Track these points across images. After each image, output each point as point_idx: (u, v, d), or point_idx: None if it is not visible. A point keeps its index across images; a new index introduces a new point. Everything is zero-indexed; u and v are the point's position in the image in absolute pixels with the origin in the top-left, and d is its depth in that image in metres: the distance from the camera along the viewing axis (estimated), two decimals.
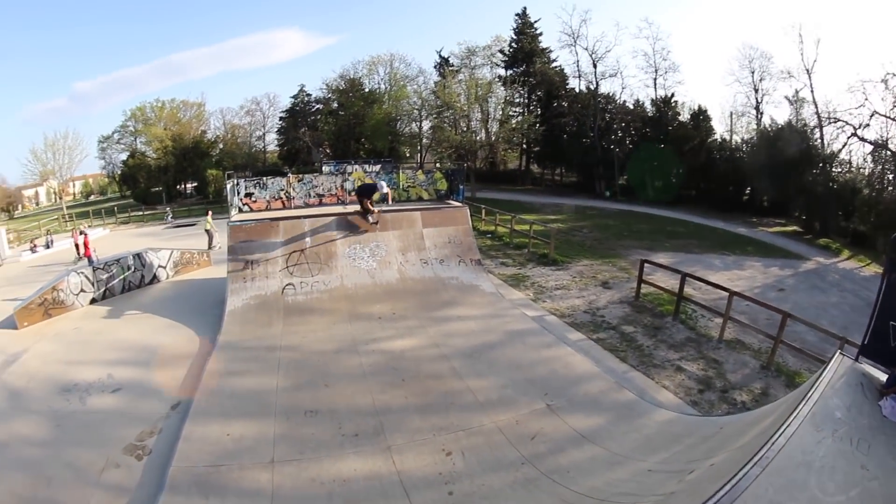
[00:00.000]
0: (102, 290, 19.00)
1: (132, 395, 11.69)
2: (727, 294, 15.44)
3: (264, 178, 22.00)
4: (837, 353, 7.46)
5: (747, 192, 57.45)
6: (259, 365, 13.16)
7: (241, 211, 20.52)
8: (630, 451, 8.80)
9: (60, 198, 74.34)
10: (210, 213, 32.50)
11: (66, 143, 70.17)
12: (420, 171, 24.46)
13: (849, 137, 50.96)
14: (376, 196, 19.13)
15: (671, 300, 17.35)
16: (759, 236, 43.57)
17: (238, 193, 20.90)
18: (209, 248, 28.31)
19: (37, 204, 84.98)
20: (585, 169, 65.56)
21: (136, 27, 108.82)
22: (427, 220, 19.45)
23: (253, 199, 21.11)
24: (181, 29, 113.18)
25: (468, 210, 20.51)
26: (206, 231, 30.43)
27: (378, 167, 25.29)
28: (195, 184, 74.41)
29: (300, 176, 22.63)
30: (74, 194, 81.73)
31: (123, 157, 74.46)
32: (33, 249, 35.48)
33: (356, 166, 26.76)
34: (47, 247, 36.07)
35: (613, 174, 63.06)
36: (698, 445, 7.98)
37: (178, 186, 74.95)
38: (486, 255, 24.20)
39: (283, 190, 21.51)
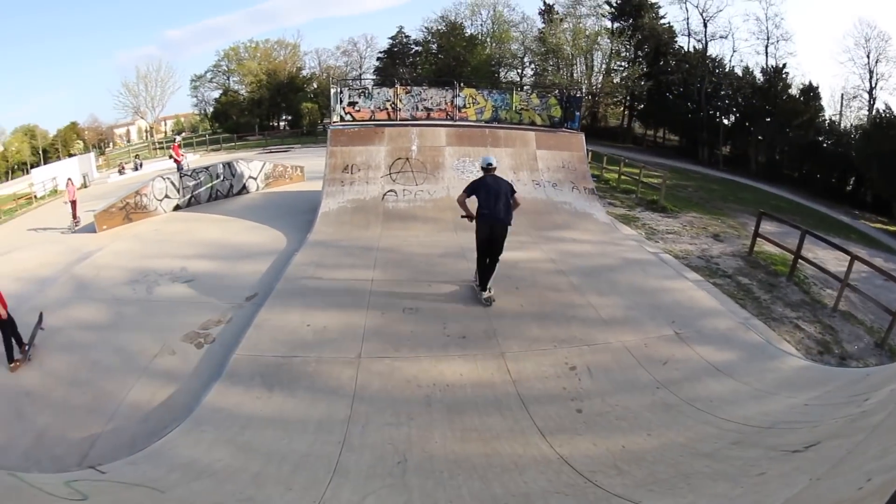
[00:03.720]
0: (188, 196, 19.03)
1: (205, 287, 11.41)
2: (837, 266, 14.40)
3: (370, 87, 21.52)
4: None
5: (851, 182, 54.20)
6: (353, 260, 12.70)
7: (342, 120, 20.00)
8: (773, 388, 7.88)
9: (152, 135, 75.09)
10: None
11: (159, 76, 70.65)
12: (534, 94, 23.63)
13: None
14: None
15: (784, 261, 16.32)
16: (862, 228, 41.33)
17: (341, 102, 20.25)
18: None
19: (128, 142, 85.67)
20: (689, 133, 62.98)
21: None
22: (541, 142, 18.79)
23: (357, 108, 20.37)
24: None
25: (583, 137, 19.69)
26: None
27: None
28: (289, 117, 74.17)
29: (408, 87, 21.92)
30: (165, 132, 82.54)
31: (216, 94, 74.64)
32: (121, 171, 36.58)
33: None
34: (135, 169, 37.12)
35: (718, 142, 60.32)
36: (852, 386, 7.00)
37: (270, 122, 74.59)
38: None
39: (389, 101, 20.77)
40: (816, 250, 17.94)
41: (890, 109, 51.25)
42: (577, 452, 6.17)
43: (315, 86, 73.76)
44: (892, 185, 46.53)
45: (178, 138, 31.47)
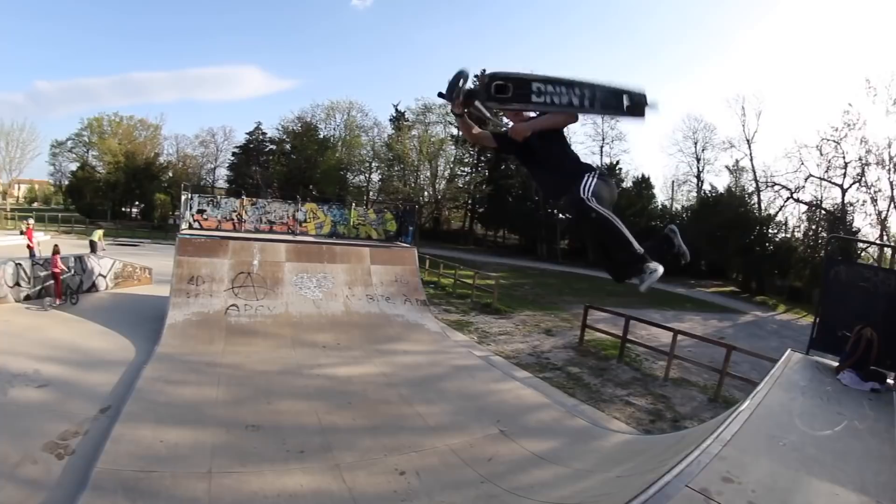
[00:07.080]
0: (38, 287, 18.07)
1: (59, 393, 10.98)
2: (669, 339, 15.87)
3: (218, 197, 21.73)
4: (788, 350, 7.88)
5: None
6: (198, 377, 12.66)
7: (191, 227, 20.12)
8: (593, 466, 8.68)
9: (4, 198, 70.97)
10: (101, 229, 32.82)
11: (22, 136, 67.16)
12: (371, 210, 24.47)
13: (786, 200, 54.08)
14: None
15: (615, 345, 17.54)
16: (698, 295, 44.78)
17: (191, 208, 20.53)
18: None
19: None
20: (528, 231, 66.51)
21: (97, 37, 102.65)
22: (375, 257, 19.47)
23: (205, 216, 20.76)
24: (142, 48, 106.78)
25: (416, 251, 20.64)
26: (91, 242, 29.56)
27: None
28: (142, 205, 71.95)
29: (254, 200, 22.39)
30: (18, 197, 77.73)
31: (73, 167, 71.15)
32: None
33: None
34: None
35: (556, 237, 63.92)
36: (665, 451, 7.87)
37: (122, 208, 71.91)
38: (430, 302, 24.07)
39: (235, 212, 21.23)
40: (650, 328, 19.25)
41: (715, 189, 58.92)
42: None
43: (171, 174, 72.17)
44: (721, 253, 52.40)
45: (31, 221, 29.67)
